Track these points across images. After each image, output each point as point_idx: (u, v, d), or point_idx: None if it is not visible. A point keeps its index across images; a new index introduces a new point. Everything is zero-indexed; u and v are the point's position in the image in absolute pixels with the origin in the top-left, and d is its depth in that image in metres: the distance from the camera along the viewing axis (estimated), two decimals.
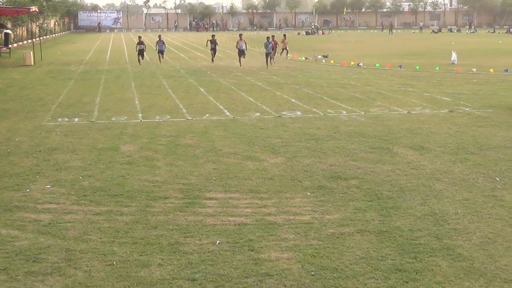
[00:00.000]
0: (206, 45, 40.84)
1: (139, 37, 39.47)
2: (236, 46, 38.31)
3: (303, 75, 32.66)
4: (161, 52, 40.23)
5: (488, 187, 11.63)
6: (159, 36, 41.11)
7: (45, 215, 10.09)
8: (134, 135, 16.66)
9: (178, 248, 8.67)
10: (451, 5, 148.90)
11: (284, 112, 20.33)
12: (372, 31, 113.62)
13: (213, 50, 39.36)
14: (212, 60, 40.12)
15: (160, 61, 40.12)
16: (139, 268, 7.99)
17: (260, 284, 7.52)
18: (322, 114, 19.85)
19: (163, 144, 15.58)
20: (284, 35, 46.19)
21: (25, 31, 68.53)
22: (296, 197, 11.08)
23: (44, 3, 76.23)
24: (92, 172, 12.87)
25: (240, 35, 38.49)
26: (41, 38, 56.44)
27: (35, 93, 25.86)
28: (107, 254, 8.45)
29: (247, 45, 38.08)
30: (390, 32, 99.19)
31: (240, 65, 37.67)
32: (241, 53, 37.29)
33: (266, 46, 37.52)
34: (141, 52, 38.61)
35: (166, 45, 42.42)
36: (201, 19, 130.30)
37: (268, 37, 38.33)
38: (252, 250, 8.57)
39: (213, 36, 39.84)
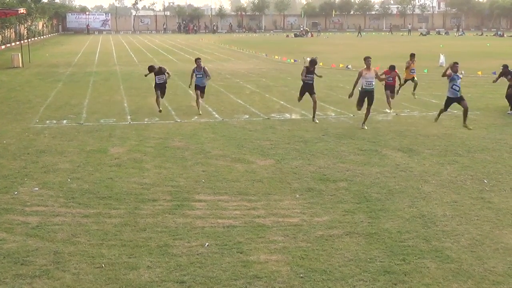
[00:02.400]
0: (302, 74, 19.25)
1: (152, 67, 21.48)
2: (358, 79, 18.21)
3: (292, 78, 32.68)
4: (200, 88, 21.23)
5: (476, 189, 11.69)
6: (197, 61, 21.37)
7: (33, 218, 10.05)
8: (122, 137, 16.62)
9: (166, 251, 8.65)
10: (439, 8, 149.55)
11: (273, 115, 20.34)
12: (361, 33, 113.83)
13: (309, 86, 19.36)
14: (314, 116, 19.45)
15: (198, 105, 21.27)
16: (127, 270, 7.97)
17: (249, 287, 7.52)
18: (311, 117, 19.86)
19: (151, 146, 15.54)
20: (412, 54, 24.57)
21: (13, 33, 68.27)
22: (285, 199, 11.09)
23: (32, 5, 76.01)
24: (81, 174, 12.83)
25: (368, 59, 18.09)
26: (29, 40, 56.25)
27: (23, 95, 25.76)
28: (95, 256, 8.43)
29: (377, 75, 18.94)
30: (359, 34, 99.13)
31: (365, 119, 18.59)
32: (368, 96, 18.11)
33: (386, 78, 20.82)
34: (161, 88, 21.20)
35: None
36: (189, 21, 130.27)
37: (392, 67, 22.16)
38: (241, 252, 8.57)
39: (313, 61, 19.23)
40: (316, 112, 20.76)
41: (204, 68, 21.13)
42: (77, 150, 15.10)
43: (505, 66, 21.99)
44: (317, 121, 18.99)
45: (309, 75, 19.21)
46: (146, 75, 22.33)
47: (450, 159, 14.04)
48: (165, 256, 8.47)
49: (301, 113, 20.58)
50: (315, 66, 19.47)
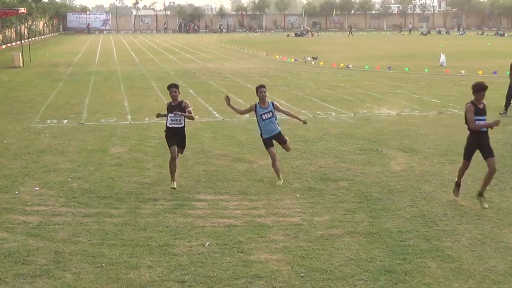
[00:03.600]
0: (470, 120, 11.27)
1: (172, 88, 12.10)
2: None
3: (292, 77, 32.69)
4: (277, 138, 12.52)
5: (477, 188, 11.65)
6: (260, 90, 12.32)
7: (34, 217, 10.05)
8: (123, 137, 16.62)
9: (167, 250, 8.65)
10: (440, 7, 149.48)
11: None
12: (362, 32, 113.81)
13: (483, 138, 11.27)
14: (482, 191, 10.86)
15: (276, 171, 12.29)
16: (128, 270, 7.97)
17: (249, 286, 7.52)
18: (312, 116, 19.86)
19: (152, 146, 15.55)
20: None
21: (14, 32, 68.29)
22: (286, 198, 11.09)
23: (33, 5, 76.03)
24: (81, 174, 12.83)
25: None
26: (29, 39, 56.23)
27: (24, 95, 25.76)
28: (96, 256, 8.43)
29: None
30: (350, 34, 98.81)
31: None
32: None
33: None
34: (177, 137, 12.11)
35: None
36: (190, 20, 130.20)
37: None
38: (241, 252, 8.57)
39: (479, 85, 11.28)
40: (317, 112, 20.74)
41: (272, 103, 12.37)
42: (77, 150, 15.11)
43: None
44: (487, 206, 10.60)
45: (481, 117, 11.15)
46: (159, 115, 12.49)
47: (450, 159, 14.03)
48: (166, 255, 8.47)
49: (301, 113, 20.56)
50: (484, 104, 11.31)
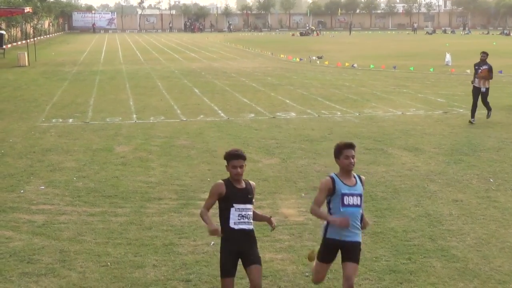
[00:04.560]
0: None
1: (238, 160, 7.14)
2: None
3: (297, 76, 32.66)
4: (349, 257, 6.59)
5: (482, 188, 11.66)
6: (345, 155, 6.54)
7: (40, 216, 10.07)
8: (128, 136, 16.63)
9: (172, 249, 8.66)
10: (445, 6, 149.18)
11: (278, 113, 20.32)
12: (367, 32, 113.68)
13: None
14: None
15: None
16: (133, 269, 7.98)
17: None
18: (317, 115, 19.85)
19: (157, 145, 15.56)
20: None
21: (19, 31, 68.42)
22: (291, 198, 11.08)
23: (38, 4, 76.11)
24: (87, 173, 12.85)
25: None
26: (35, 38, 56.28)
27: (29, 94, 25.80)
28: (101, 255, 8.44)
29: None
30: (349, 32, 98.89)
31: None
32: None
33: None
34: (248, 243, 6.58)
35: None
36: (195, 20, 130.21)
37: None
38: None
39: None
40: (322, 111, 20.74)
41: (360, 179, 6.82)
42: (83, 149, 15.12)
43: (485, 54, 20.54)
44: None
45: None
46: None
47: (456, 158, 14.01)
48: (171, 254, 8.48)
49: (306, 112, 20.55)
50: None
